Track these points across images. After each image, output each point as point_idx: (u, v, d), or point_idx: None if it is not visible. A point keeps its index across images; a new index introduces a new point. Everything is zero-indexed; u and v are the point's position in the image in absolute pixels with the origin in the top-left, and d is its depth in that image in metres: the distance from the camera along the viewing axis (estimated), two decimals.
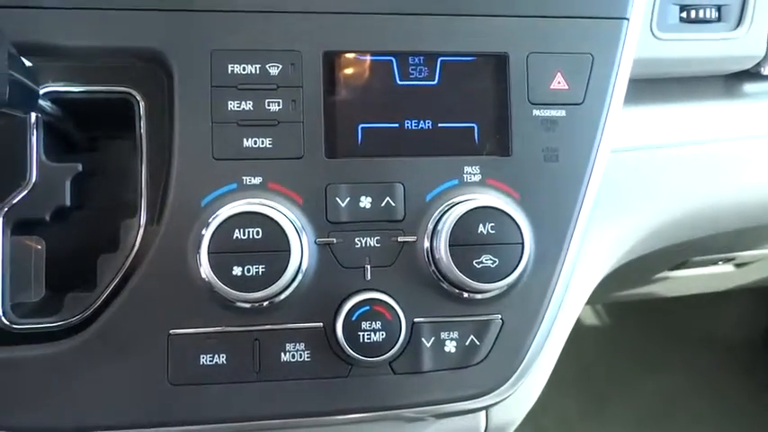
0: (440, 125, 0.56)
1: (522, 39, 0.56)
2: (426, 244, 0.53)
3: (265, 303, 0.51)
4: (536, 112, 0.56)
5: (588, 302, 0.69)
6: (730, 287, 1.27)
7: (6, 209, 0.50)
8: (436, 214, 0.53)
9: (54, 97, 0.51)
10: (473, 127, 0.56)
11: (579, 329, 1.43)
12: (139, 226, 0.52)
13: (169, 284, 0.50)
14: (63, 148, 0.54)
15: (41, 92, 0.50)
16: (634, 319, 1.76)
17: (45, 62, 0.51)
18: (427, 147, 0.55)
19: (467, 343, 0.53)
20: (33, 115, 0.51)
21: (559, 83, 0.57)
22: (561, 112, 0.57)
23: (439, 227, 0.52)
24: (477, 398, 0.54)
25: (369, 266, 0.52)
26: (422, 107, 0.56)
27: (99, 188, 0.55)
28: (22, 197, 0.51)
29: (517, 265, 0.51)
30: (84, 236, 0.55)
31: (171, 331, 0.50)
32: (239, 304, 0.50)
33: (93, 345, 0.50)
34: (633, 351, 1.75)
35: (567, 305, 0.59)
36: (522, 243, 0.51)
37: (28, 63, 0.48)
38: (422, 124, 0.56)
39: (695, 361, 1.74)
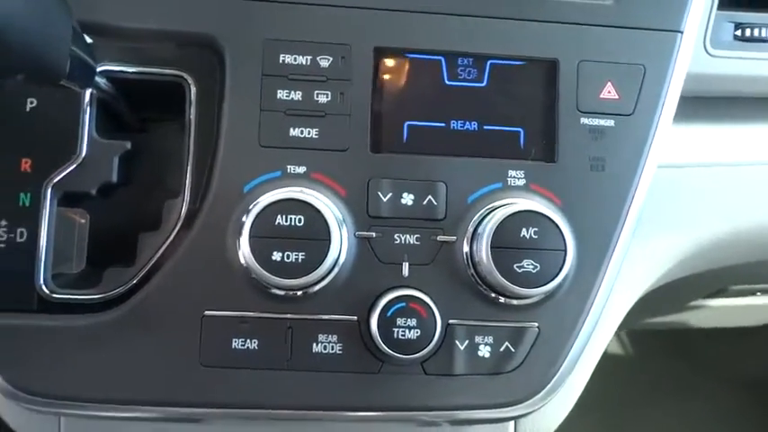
0: (485, 127, 0.55)
1: (574, 46, 0.56)
2: (466, 245, 0.52)
3: (300, 293, 0.50)
4: (584, 121, 0.55)
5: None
6: (765, 322, 1.23)
7: (56, 180, 0.51)
8: (477, 216, 0.53)
9: (108, 76, 0.52)
10: (519, 131, 0.55)
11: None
12: (182, 207, 0.52)
13: (207, 266, 0.50)
14: (113, 126, 0.55)
15: (98, 70, 0.51)
16: (658, 347, 1.72)
17: (103, 41, 0.52)
18: (472, 148, 0.55)
19: (501, 349, 0.52)
20: (89, 91, 0.52)
21: (609, 92, 0.57)
22: (610, 122, 0.56)
23: (480, 229, 0.52)
24: (508, 406, 0.53)
25: (406, 263, 0.52)
26: (468, 108, 0.56)
27: (144, 168, 0.56)
28: (72, 170, 0.52)
29: (558, 272, 0.50)
30: (127, 213, 0.55)
31: (205, 312, 0.50)
32: (274, 291, 0.50)
33: (129, 319, 0.50)
34: (655, 378, 1.70)
35: (604, 321, 0.57)
36: (565, 250, 0.50)
37: (89, 40, 0.49)
38: (467, 125, 0.55)
39: (719, 394, 1.69)
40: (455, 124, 0.55)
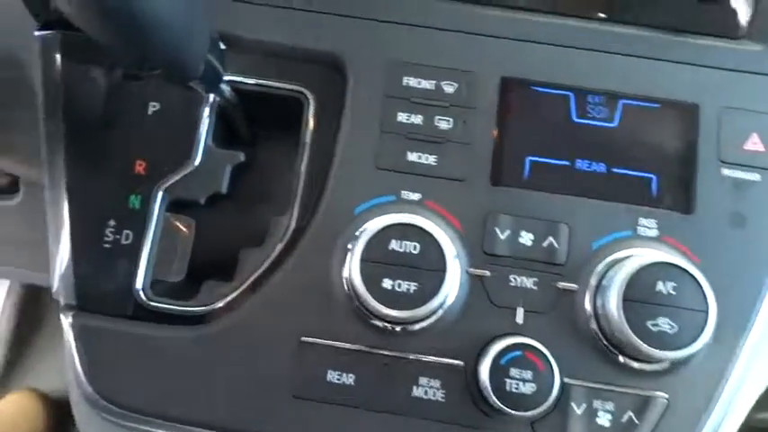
0: (614, 170, 0.51)
1: (717, 91, 0.52)
2: (589, 296, 0.47)
3: (399, 328, 0.47)
4: (726, 172, 0.50)
5: None
6: None
7: (167, 185, 0.50)
8: (603, 265, 0.48)
9: (231, 86, 0.52)
10: (652, 177, 0.51)
11: None
12: (288, 224, 0.50)
13: (308, 288, 0.48)
14: (226, 137, 0.54)
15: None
16: None
17: (230, 51, 0.52)
18: (598, 190, 0.50)
19: (623, 419, 0.46)
20: (210, 98, 0.51)
21: (755, 144, 0.51)
22: (755, 176, 0.51)
23: (606, 280, 0.47)
24: None
25: (521, 309, 0.47)
26: (596, 149, 0.52)
27: (252, 181, 0.54)
28: (184, 177, 0.51)
29: (698, 335, 0.44)
30: (229, 226, 0.54)
31: (302, 338, 0.47)
32: (376, 322, 0.47)
33: (223, 337, 0.48)
34: None
35: (739, 401, 0.50)
36: (707, 311, 0.45)
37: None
38: (594, 166, 0.51)
39: None
40: (581, 164, 0.51)
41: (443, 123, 0.51)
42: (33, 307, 1.57)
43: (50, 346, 1.56)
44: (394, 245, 0.45)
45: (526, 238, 0.49)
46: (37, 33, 0.53)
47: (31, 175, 0.77)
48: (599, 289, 0.47)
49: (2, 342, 1.56)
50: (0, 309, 1.57)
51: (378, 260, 0.45)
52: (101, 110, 0.52)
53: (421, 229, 0.45)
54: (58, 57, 0.53)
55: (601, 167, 0.51)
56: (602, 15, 0.54)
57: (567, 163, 0.51)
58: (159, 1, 0.35)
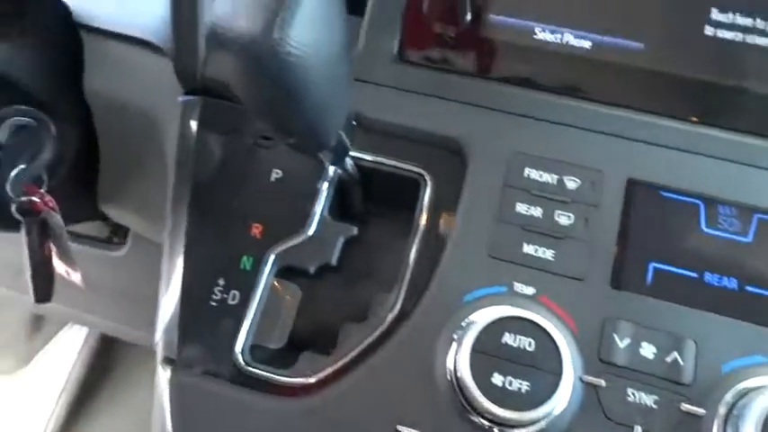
0: (747, 288, 0.48)
1: None
2: (718, 423, 0.43)
3: (498, 429, 0.43)
4: None
5: None
6: None
7: (280, 251, 0.51)
8: (734, 391, 0.43)
9: (353, 161, 0.53)
10: None
11: None
12: (393, 305, 0.49)
13: (409, 374, 0.46)
14: (341, 209, 0.55)
15: None
16: None
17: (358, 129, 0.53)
18: (729, 308, 0.47)
19: None
20: (332, 170, 0.52)
21: None
22: None
23: (738, 410, 0.42)
24: None
25: (639, 427, 0.43)
26: (728, 263, 0.48)
27: (361, 256, 0.54)
28: (297, 244, 0.51)
29: None
30: (334, 298, 0.53)
31: (398, 426, 0.45)
32: (478, 419, 0.44)
33: (317, 413, 0.46)
34: None
35: None
36: None
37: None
38: (725, 282, 0.48)
39: None
40: (710, 277, 0.48)
41: (564, 219, 0.49)
42: (104, 358, 1.61)
43: (115, 398, 1.58)
44: (508, 338, 0.43)
45: (648, 350, 0.45)
46: (181, 98, 0.58)
47: (142, 228, 0.81)
48: (730, 417, 0.42)
49: (68, 389, 1.59)
50: (75, 356, 1.62)
51: (489, 353, 0.43)
52: (227, 173, 0.55)
53: (538, 325, 0.43)
54: (195, 122, 0.57)
55: (733, 284, 0.48)
56: (741, 127, 0.52)
57: (694, 274, 0.48)
58: (316, 76, 0.37)
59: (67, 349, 1.61)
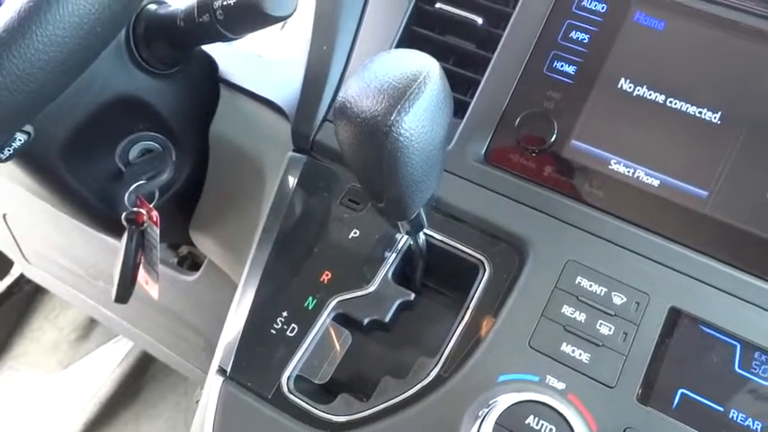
0: None
1: None
2: None
3: None
4: None
5: None
6: None
7: (342, 298, 0.57)
8: None
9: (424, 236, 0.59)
10: None
11: None
12: (431, 369, 0.53)
13: None
14: (402, 277, 0.61)
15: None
16: None
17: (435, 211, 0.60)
18: None
19: None
20: (403, 240, 0.59)
21: None
22: None
23: None
24: None
25: None
26: (755, 405, 0.50)
27: (411, 321, 0.59)
28: (358, 297, 0.57)
29: None
30: (379, 352, 0.58)
31: None
32: None
33: None
34: None
35: None
36: None
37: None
38: (749, 422, 0.50)
39: None
40: (735, 415, 0.50)
41: (605, 329, 0.53)
42: (137, 378, 1.67)
43: (139, 419, 1.61)
44: (531, 421, 0.46)
45: None
46: (290, 154, 0.67)
47: (221, 258, 0.89)
48: None
49: (97, 402, 1.65)
50: (109, 372, 1.69)
51: (512, 429, 0.46)
52: (313, 224, 0.62)
53: (563, 416, 0.46)
54: (296, 176, 0.66)
55: (757, 426, 0.50)
56: None
57: (720, 409, 0.50)
58: (415, 158, 0.45)
59: (105, 363, 1.69)
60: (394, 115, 0.43)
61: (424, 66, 0.46)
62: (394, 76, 0.45)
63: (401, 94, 0.43)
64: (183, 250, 1.05)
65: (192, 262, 1.05)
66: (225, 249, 0.85)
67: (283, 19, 0.56)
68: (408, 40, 0.69)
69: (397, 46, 0.69)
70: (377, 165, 0.45)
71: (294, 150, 0.67)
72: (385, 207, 0.50)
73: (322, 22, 0.71)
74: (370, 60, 0.46)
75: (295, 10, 0.56)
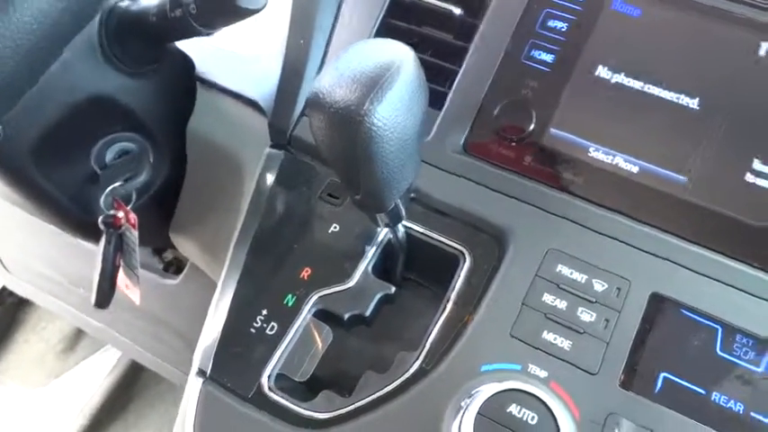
0: (753, 414, 0.49)
1: None
2: None
3: None
4: None
5: None
6: None
7: (322, 295, 0.56)
8: None
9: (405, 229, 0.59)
10: None
11: None
12: (413, 362, 0.53)
13: (417, 428, 0.49)
14: (383, 271, 0.60)
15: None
16: None
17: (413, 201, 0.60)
18: (731, 429, 0.48)
19: None
20: (383, 232, 0.58)
21: None
22: None
23: None
24: None
25: None
26: (737, 388, 0.50)
27: (392, 315, 0.59)
28: (338, 292, 0.57)
29: None
30: (360, 347, 0.57)
31: None
32: None
33: None
34: None
35: None
36: None
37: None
38: (732, 404, 0.50)
39: None
40: (717, 397, 0.50)
41: (586, 316, 0.53)
42: (126, 388, 1.65)
43: (130, 429, 1.60)
44: (513, 409, 0.46)
45: None
46: (267, 150, 0.66)
47: (203, 261, 0.88)
48: None
49: (87, 414, 1.63)
50: (99, 383, 1.67)
51: (494, 419, 0.46)
52: (293, 220, 0.62)
53: (545, 403, 0.46)
54: (274, 172, 0.65)
55: (739, 408, 0.49)
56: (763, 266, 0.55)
57: (702, 392, 0.50)
58: (389, 148, 0.44)
59: (94, 374, 1.67)
60: (367, 104, 0.42)
61: (398, 54, 0.45)
62: (367, 65, 0.44)
63: (374, 83, 0.43)
64: (168, 255, 1.04)
65: (177, 267, 1.04)
66: (205, 251, 0.84)
67: (256, 12, 0.55)
68: (386, 32, 0.69)
69: (375, 36, 0.68)
70: (351, 155, 0.45)
71: (272, 146, 0.67)
72: (362, 199, 0.50)
73: (299, 16, 0.71)
74: (344, 51, 0.46)
75: (266, 3, 0.55)
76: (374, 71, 0.44)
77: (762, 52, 0.60)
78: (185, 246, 0.88)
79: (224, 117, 0.74)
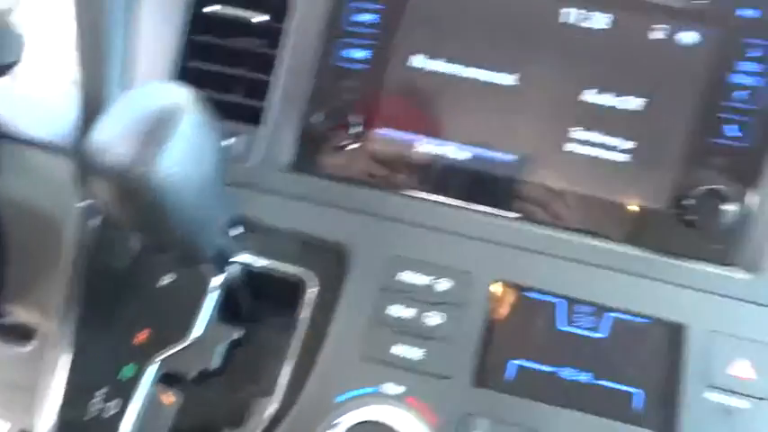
0: (600, 382, 0.52)
1: (705, 315, 0.53)
2: None
3: None
4: (710, 396, 0.50)
5: None
6: None
7: (162, 357, 0.53)
8: None
9: (241, 265, 0.56)
10: (636, 393, 0.51)
11: None
12: (268, 407, 0.51)
13: None
14: (230, 311, 0.57)
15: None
16: None
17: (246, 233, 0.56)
18: (583, 402, 0.51)
19: None
20: (221, 277, 0.55)
21: (744, 370, 0.52)
22: (743, 403, 0.50)
23: None
24: None
25: None
26: (581, 358, 0.52)
27: (246, 358, 0.56)
28: (179, 350, 0.53)
29: None
30: (215, 402, 0.54)
31: None
32: None
33: None
34: None
35: None
36: None
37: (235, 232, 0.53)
38: (581, 376, 0.52)
39: None
40: (566, 372, 0.52)
41: (434, 320, 0.53)
42: None
43: None
44: None
45: None
46: (78, 205, 0.60)
47: (46, 327, 0.80)
48: None
49: None
50: None
51: None
52: (119, 278, 0.57)
53: (389, 428, 0.45)
54: (91, 228, 0.59)
55: (587, 377, 0.52)
56: (595, 231, 0.57)
57: (551, 370, 0.52)
58: (186, 200, 0.41)
59: None
60: (150, 161, 0.38)
61: (173, 101, 0.41)
62: (139, 117, 0.40)
63: (150, 135, 0.39)
64: (7, 320, 0.94)
65: (24, 330, 0.94)
66: (46, 318, 0.77)
67: (9, 67, 0.49)
68: (191, 49, 0.64)
69: (180, 56, 0.63)
70: (144, 218, 0.41)
71: (83, 201, 0.60)
72: (176, 254, 0.46)
73: (88, 43, 0.63)
74: (112, 104, 0.41)
75: (20, 58, 0.49)
76: (148, 125, 0.39)
77: (561, 19, 0.61)
78: (25, 315, 0.80)
79: (32, 170, 0.67)
